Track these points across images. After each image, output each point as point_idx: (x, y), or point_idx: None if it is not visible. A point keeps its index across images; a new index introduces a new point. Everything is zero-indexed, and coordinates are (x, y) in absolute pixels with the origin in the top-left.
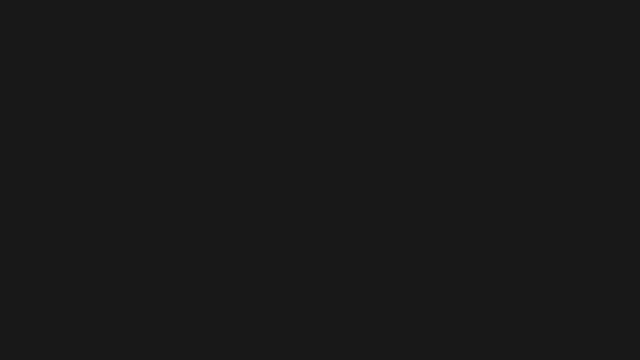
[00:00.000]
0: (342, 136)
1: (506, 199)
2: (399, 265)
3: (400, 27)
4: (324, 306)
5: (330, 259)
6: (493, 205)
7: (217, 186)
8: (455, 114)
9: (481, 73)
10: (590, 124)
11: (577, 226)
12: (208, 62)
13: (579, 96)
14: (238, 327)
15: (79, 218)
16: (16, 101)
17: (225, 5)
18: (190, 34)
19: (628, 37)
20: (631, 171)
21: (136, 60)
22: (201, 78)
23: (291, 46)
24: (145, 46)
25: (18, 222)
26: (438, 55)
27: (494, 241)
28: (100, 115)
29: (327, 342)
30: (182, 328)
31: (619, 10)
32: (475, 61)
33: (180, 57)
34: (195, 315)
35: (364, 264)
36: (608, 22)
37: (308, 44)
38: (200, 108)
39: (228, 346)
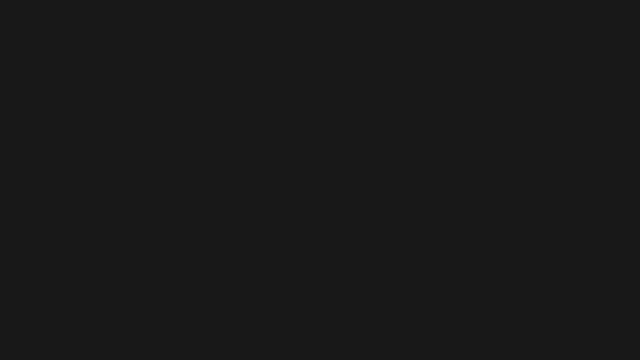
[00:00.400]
0: (342, 136)
1: (506, 199)
2: (399, 265)
3: (400, 27)
4: (324, 306)
5: (330, 259)
6: (493, 205)
7: (217, 186)
8: (455, 114)
9: (481, 73)
10: (590, 124)
11: (577, 226)
12: (208, 62)
13: (579, 96)
14: (238, 327)
15: (79, 218)
16: (16, 101)
17: (225, 5)
18: (190, 34)
19: (628, 37)
20: (631, 171)
21: (136, 60)
22: (202, 78)
23: (291, 46)
24: (145, 46)
25: (18, 222)
26: (438, 55)
27: (494, 241)
28: (100, 115)
29: (327, 342)
30: (182, 328)
31: (619, 10)
32: (475, 61)
33: (180, 57)
34: (196, 315)
35: (364, 264)
36: (608, 22)
37: (308, 44)
38: (200, 108)
39: (228, 346)
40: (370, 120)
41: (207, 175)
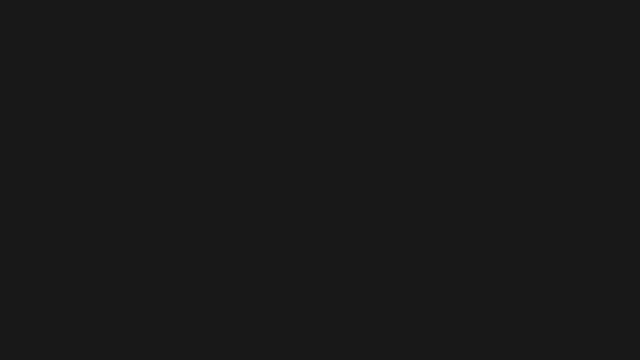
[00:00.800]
0: (342, 136)
1: (506, 199)
2: (399, 265)
3: (400, 27)
4: (324, 306)
5: (330, 259)
6: (493, 205)
7: (217, 186)
8: (455, 114)
9: (481, 73)
10: (590, 124)
11: (577, 226)
12: (208, 62)
13: (579, 96)
14: (238, 327)
15: (79, 218)
16: (16, 101)
17: (225, 5)
18: (190, 34)
19: (628, 37)
20: (631, 171)
21: (136, 60)
22: (202, 78)
23: (291, 46)
24: (145, 46)
25: (18, 222)
26: (438, 55)
27: (494, 241)
28: (100, 115)
29: (327, 342)
30: (182, 328)
31: (619, 10)
32: (475, 61)
33: (180, 57)
34: (196, 315)
35: (364, 264)
36: (608, 22)
37: (308, 44)
38: (200, 108)
39: (228, 346)
40: (370, 120)
41: (207, 175)
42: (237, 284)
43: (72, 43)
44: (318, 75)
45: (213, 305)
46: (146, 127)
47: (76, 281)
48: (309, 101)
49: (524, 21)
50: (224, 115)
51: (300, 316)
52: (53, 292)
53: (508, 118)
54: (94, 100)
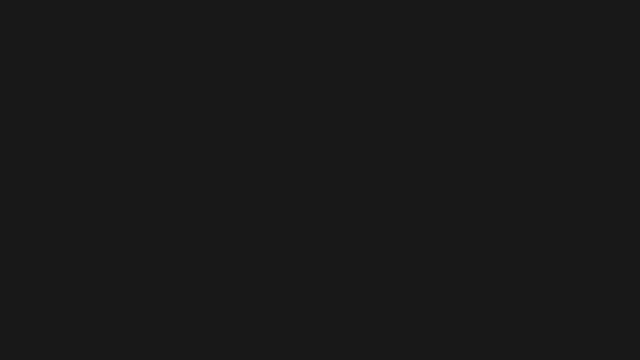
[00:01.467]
0: (342, 136)
1: (506, 199)
2: (399, 265)
3: (400, 27)
4: (324, 306)
5: (330, 259)
6: (493, 205)
7: (217, 186)
8: (455, 114)
9: (481, 73)
10: (591, 124)
11: (577, 226)
12: (208, 62)
13: (579, 96)
14: (238, 327)
15: (79, 218)
16: (16, 101)
17: (225, 5)
18: (190, 34)
19: (628, 37)
20: (631, 171)
21: (136, 60)
22: (202, 78)
23: (291, 46)
24: (145, 46)
25: (18, 222)
26: (438, 55)
27: (494, 241)
28: (100, 115)
29: (327, 342)
30: (182, 328)
31: (619, 10)
32: (475, 61)
33: (180, 57)
34: (196, 315)
35: (364, 264)
36: (608, 22)
37: (308, 44)
38: (200, 108)
39: (228, 346)
40: (370, 120)
41: (207, 175)
42: (237, 284)
43: (72, 43)
44: (318, 75)
45: (214, 305)
46: (146, 127)
47: (76, 281)
48: (309, 101)
49: (525, 21)
50: (224, 115)
51: (300, 316)
52: (53, 292)
53: (508, 118)
54: (94, 100)
